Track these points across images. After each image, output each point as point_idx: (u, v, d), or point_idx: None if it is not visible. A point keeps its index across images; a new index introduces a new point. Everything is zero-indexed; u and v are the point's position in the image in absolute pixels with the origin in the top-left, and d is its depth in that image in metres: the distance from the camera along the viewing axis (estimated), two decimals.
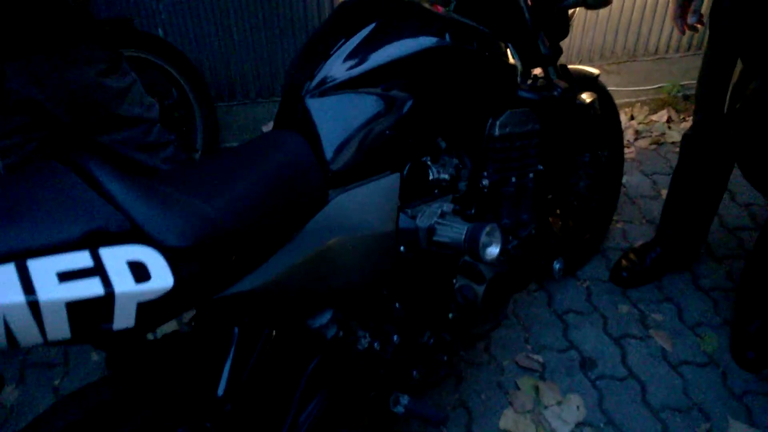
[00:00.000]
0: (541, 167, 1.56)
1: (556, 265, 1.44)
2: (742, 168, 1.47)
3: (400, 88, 1.28)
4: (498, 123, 1.44)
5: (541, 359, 1.95)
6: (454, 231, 1.27)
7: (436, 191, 1.40)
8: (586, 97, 1.76)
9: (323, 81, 1.23)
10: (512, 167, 1.49)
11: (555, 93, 1.57)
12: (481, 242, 1.23)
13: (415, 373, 1.41)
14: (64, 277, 0.81)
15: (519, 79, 1.51)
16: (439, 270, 1.39)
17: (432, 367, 1.44)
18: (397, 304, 1.33)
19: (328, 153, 1.21)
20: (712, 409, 1.82)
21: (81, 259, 0.82)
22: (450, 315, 1.42)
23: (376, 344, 1.30)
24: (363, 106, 1.24)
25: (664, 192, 2.58)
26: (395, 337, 1.33)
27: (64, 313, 0.80)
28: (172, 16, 2.81)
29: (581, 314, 2.11)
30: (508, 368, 1.94)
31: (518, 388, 1.87)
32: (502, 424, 1.79)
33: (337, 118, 1.23)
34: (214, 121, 2.67)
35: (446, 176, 1.39)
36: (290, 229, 1.13)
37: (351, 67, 1.24)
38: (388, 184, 1.28)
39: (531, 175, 1.54)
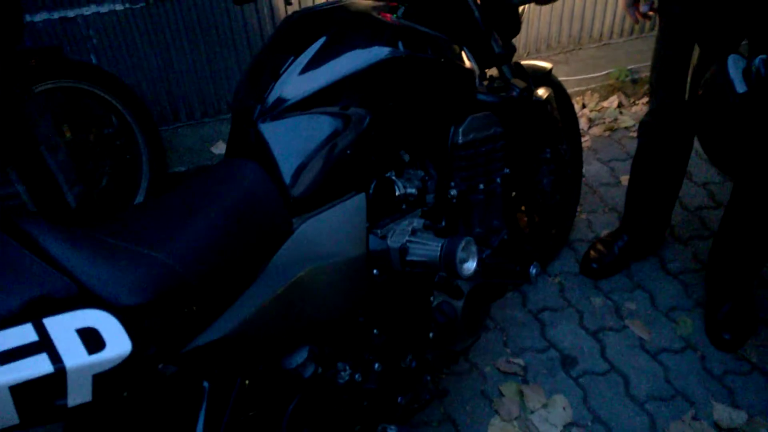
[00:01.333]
0: (508, 170, 1.52)
1: (533, 270, 1.40)
2: (707, 152, 1.45)
3: (356, 103, 1.21)
4: (461, 130, 1.39)
5: (522, 362, 1.92)
6: (428, 249, 1.21)
7: (404, 206, 1.34)
8: (542, 92, 1.73)
9: (275, 103, 1.16)
10: (479, 174, 1.44)
11: (513, 93, 1.53)
12: (457, 258, 1.18)
13: (400, 399, 1.34)
14: (5, 357, 0.71)
15: (477, 82, 1.46)
16: (415, 289, 1.33)
17: (417, 391, 1.38)
18: (375, 330, 1.26)
19: (288, 179, 1.13)
20: (695, 394, 1.82)
21: (23, 333, 0.73)
22: (430, 334, 1.36)
23: (357, 375, 1.22)
24: (319, 127, 1.17)
25: (624, 178, 2.59)
26: (377, 365, 1.26)
27: (8, 398, 0.71)
28: (104, 40, 2.67)
29: (556, 311, 2.08)
30: (490, 375, 1.89)
31: (502, 395, 1.83)
32: None
33: (293, 142, 1.15)
34: (159, 146, 2.54)
35: (413, 190, 1.33)
36: (255, 267, 1.05)
37: (303, 87, 1.17)
38: (354, 205, 1.21)
39: (498, 179, 1.49)
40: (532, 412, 1.79)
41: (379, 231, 1.25)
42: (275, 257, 1.08)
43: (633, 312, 2.06)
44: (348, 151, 1.19)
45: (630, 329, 2.01)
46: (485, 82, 1.61)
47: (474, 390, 1.85)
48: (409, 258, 1.23)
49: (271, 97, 1.16)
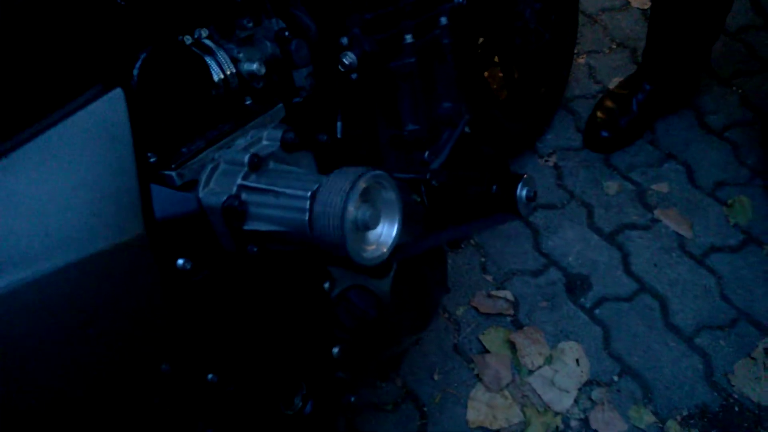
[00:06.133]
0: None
1: (522, 192, 0.72)
2: None
3: None
4: None
5: (510, 295, 1.30)
6: (286, 203, 0.53)
7: (248, 101, 0.63)
8: None
9: None
10: (401, 12, 0.71)
11: None
12: (347, 224, 0.50)
13: None
14: None
15: None
16: (284, 279, 0.65)
17: None
18: (210, 376, 0.61)
19: None
20: (766, 314, 1.24)
21: None
22: (335, 350, 0.70)
23: None
24: None
25: None
26: None
27: None
28: None
29: (554, 208, 1.43)
30: (464, 320, 1.28)
31: (486, 350, 1.24)
32: (472, 416, 1.16)
33: None
34: None
35: (256, 65, 0.62)
36: None
37: None
38: (95, 119, 0.52)
39: (444, 19, 0.76)
40: (531, 372, 1.20)
41: (175, 173, 0.55)
42: None
43: (664, 197, 1.43)
44: None
45: (662, 223, 1.39)
46: None
47: (444, 346, 1.25)
48: (250, 227, 0.55)
49: None
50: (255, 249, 0.56)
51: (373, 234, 0.53)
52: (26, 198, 0.50)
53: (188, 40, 0.59)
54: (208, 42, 0.60)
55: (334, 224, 0.48)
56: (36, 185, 0.50)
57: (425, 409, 1.18)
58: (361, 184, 0.50)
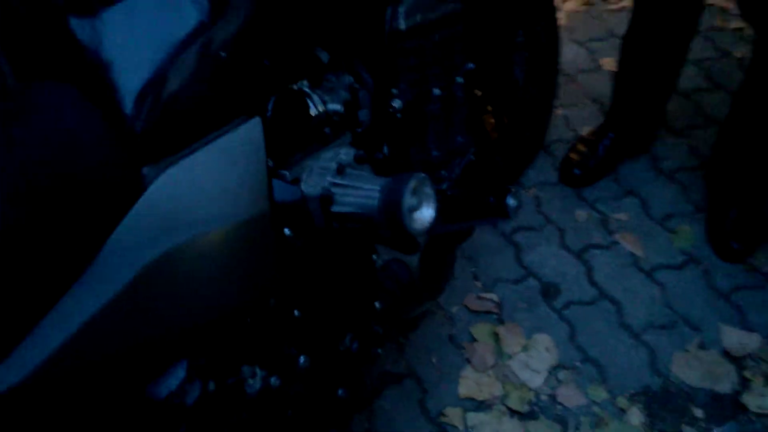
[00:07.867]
0: (472, 65, 1.10)
1: (511, 201, 1.03)
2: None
3: None
4: (402, 11, 0.95)
5: (495, 297, 1.60)
6: (362, 194, 0.83)
7: (327, 130, 0.93)
8: None
9: None
10: (433, 74, 1.03)
11: None
12: (404, 206, 0.80)
13: (341, 392, 1.00)
14: None
15: None
16: (349, 249, 0.95)
17: (359, 382, 1.03)
18: (296, 312, 0.89)
19: (129, 107, 0.72)
20: (700, 318, 1.54)
21: None
22: (377, 304, 0.99)
23: (273, 379, 0.87)
24: (171, 17, 0.74)
25: (605, 61, 2.20)
26: (302, 360, 0.90)
27: None
28: None
29: (533, 230, 1.74)
30: (458, 316, 1.57)
31: (475, 340, 1.52)
32: (463, 390, 1.44)
33: (130, 45, 0.72)
34: None
35: (337, 106, 0.92)
36: (82, 252, 0.66)
37: None
38: (244, 136, 0.81)
39: (460, 79, 1.08)
40: (511, 357, 1.49)
41: (287, 173, 0.85)
42: (117, 232, 0.69)
43: (623, 224, 1.74)
44: (223, 53, 0.77)
45: (620, 245, 1.69)
46: None
47: (441, 336, 1.54)
48: (336, 209, 0.84)
49: None
50: (337, 225, 0.85)
51: (418, 213, 0.82)
52: (200, 185, 0.78)
53: (295, 87, 0.90)
54: (307, 89, 0.91)
55: (398, 208, 0.78)
56: (204, 179, 0.78)
57: (425, 385, 1.46)
58: (413, 183, 0.80)
